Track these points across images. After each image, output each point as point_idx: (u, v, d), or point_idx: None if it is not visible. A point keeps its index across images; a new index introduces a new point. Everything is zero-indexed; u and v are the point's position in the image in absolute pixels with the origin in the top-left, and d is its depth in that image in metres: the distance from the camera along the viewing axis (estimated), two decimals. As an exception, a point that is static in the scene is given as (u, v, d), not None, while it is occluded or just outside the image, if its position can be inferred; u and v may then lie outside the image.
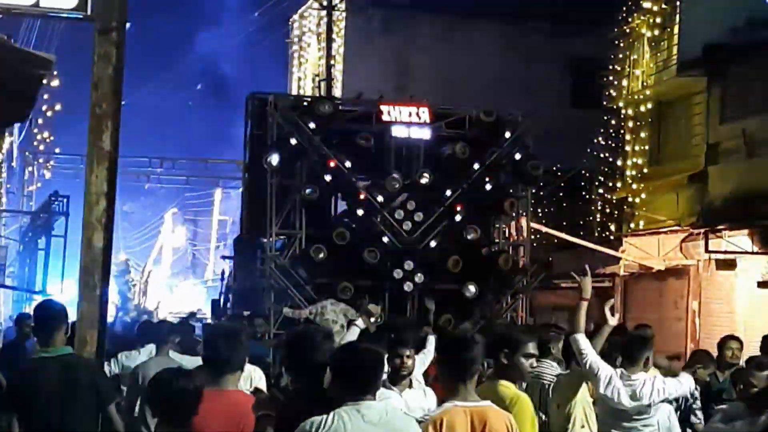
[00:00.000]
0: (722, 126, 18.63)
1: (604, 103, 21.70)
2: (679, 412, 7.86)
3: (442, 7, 25.44)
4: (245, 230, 18.60)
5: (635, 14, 21.04)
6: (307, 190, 15.71)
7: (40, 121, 27.70)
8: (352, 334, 7.28)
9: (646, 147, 20.73)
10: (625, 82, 21.28)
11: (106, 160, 6.01)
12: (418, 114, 16.69)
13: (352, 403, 4.45)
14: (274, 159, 15.72)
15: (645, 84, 20.84)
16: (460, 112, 17.14)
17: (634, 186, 20.52)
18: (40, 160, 31.75)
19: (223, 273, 22.14)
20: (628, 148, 20.94)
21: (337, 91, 25.60)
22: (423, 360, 8.34)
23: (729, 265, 17.61)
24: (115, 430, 5.79)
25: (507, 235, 18.04)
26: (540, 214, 21.94)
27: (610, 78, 21.63)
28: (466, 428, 4.93)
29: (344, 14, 26.65)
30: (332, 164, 15.99)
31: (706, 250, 17.76)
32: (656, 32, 20.62)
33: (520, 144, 16.94)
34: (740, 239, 17.37)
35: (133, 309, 32.19)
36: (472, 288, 16.04)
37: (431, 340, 8.81)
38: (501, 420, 5.08)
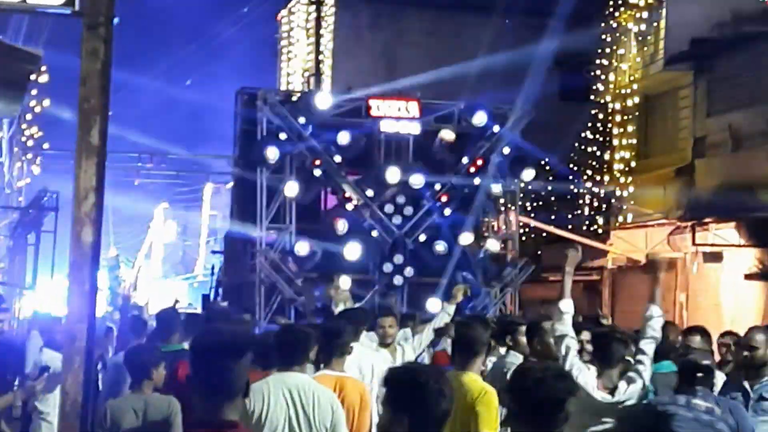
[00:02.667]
0: (709, 119, 18.73)
1: (592, 97, 21.79)
2: None
3: (430, 1, 25.49)
4: (235, 225, 18.66)
5: (622, 9, 21.13)
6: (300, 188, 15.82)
7: (28, 116, 27.65)
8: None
9: (633, 141, 20.84)
10: (612, 77, 21.38)
11: (94, 155, 6.03)
12: (407, 108, 16.77)
13: (278, 373, 5.67)
14: (271, 153, 15.75)
15: (632, 78, 20.94)
16: (448, 106, 17.23)
17: (622, 179, 20.61)
18: (29, 156, 31.67)
19: (213, 268, 22.21)
20: (615, 141, 21.03)
21: (326, 87, 25.63)
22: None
23: (716, 257, 17.73)
24: None
25: (496, 228, 18.13)
26: (528, 208, 22.02)
27: (598, 72, 21.71)
28: (334, 391, 6.01)
29: (333, 9, 26.69)
30: (321, 159, 16.07)
31: (693, 243, 17.88)
32: (643, 27, 20.71)
33: (508, 138, 17.03)
34: (727, 232, 17.49)
35: (122, 304, 32.17)
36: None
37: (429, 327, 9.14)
38: (356, 389, 6.26)
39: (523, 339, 8.04)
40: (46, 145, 31.60)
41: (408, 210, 16.49)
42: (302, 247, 15.44)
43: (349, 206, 16.43)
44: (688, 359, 6.45)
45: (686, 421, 5.70)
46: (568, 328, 6.39)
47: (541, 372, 3.99)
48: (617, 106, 21.07)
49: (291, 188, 15.85)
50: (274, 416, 5.51)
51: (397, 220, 16.43)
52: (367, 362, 7.52)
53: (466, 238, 16.65)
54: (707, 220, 17.70)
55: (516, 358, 7.79)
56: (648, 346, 6.27)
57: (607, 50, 21.50)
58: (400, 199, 16.50)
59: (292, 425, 5.52)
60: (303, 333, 6.01)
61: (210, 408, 3.57)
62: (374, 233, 16.28)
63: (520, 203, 18.48)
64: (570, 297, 6.49)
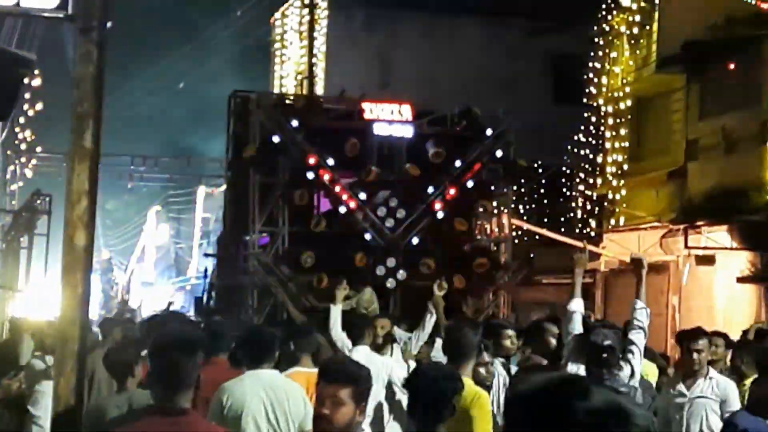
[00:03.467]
0: (701, 122, 18.76)
1: (585, 100, 21.82)
2: None
3: (424, 4, 25.52)
4: (228, 228, 18.63)
5: (614, 12, 21.18)
6: (292, 191, 15.81)
7: (21, 120, 27.61)
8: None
9: (626, 144, 20.87)
10: (604, 80, 21.41)
11: (87, 158, 6.03)
12: (400, 111, 16.77)
13: (252, 371, 6.17)
14: (249, 150, 15.80)
15: (624, 81, 20.98)
16: (441, 109, 17.24)
17: (614, 182, 20.65)
18: (22, 159, 31.63)
19: (206, 271, 22.18)
20: (608, 144, 21.07)
21: (319, 89, 25.64)
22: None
23: (708, 260, 17.77)
24: None
25: (489, 231, 18.14)
26: (521, 211, 22.06)
27: (590, 75, 21.75)
28: (305, 386, 6.30)
29: (326, 12, 26.71)
30: (314, 162, 16.06)
31: (686, 246, 17.91)
32: (635, 30, 20.76)
33: (502, 141, 17.04)
34: (719, 235, 17.53)
35: (115, 307, 32.17)
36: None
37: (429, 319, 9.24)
38: None
39: (507, 342, 8.13)
40: (39, 149, 31.59)
41: (401, 213, 16.48)
42: (306, 258, 15.37)
43: (342, 209, 16.41)
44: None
45: None
46: (578, 326, 6.91)
47: (434, 372, 4.67)
48: (610, 109, 21.11)
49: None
50: (253, 411, 5.95)
51: (389, 223, 16.42)
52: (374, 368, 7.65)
53: (459, 241, 16.67)
54: (700, 223, 17.74)
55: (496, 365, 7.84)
56: (636, 336, 6.74)
57: (600, 53, 21.53)
58: (393, 202, 16.48)
59: (270, 418, 5.97)
60: (269, 333, 6.57)
61: (166, 397, 4.14)
62: (367, 236, 16.27)
63: (512, 206, 18.50)
64: (580, 297, 7.07)
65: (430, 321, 9.52)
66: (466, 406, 5.83)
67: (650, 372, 8.57)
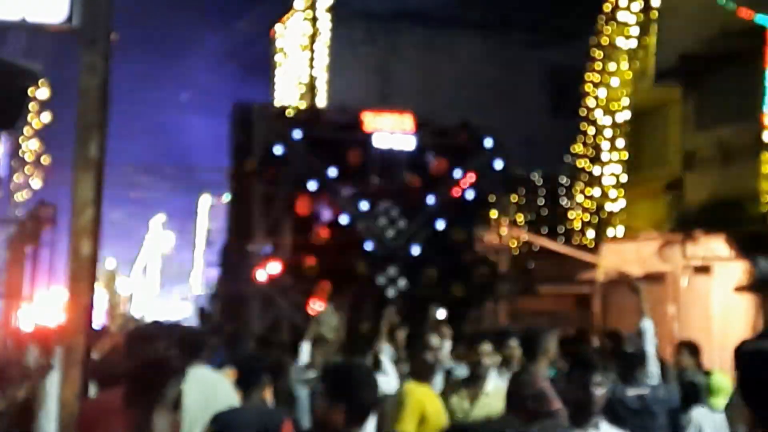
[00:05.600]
0: (698, 134, 18.91)
1: (582, 112, 21.99)
2: None
3: (425, 17, 25.73)
4: (232, 238, 18.80)
5: (612, 25, 21.38)
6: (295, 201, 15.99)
7: (28, 129, 27.82)
8: None
9: (624, 155, 21.04)
10: (602, 92, 21.58)
11: (93, 168, 6.17)
12: (401, 122, 16.94)
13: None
14: (266, 166, 15.97)
15: (622, 93, 21.16)
16: (441, 120, 17.42)
17: (612, 193, 20.80)
18: (28, 170, 31.79)
19: (210, 281, 22.32)
20: (605, 156, 21.23)
21: (321, 101, 25.84)
22: None
23: (705, 270, 17.88)
24: None
25: (488, 241, 18.29)
26: (520, 221, 22.21)
27: (588, 87, 21.93)
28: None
29: (328, 24, 26.91)
30: (316, 172, 16.23)
31: (683, 256, 18.03)
32: (633, 43, 20.95)
33: (501, 152, 17.22)
34: (716, 245, 17.65)
35: (118, 317, 32.29)
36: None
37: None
38: None
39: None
40: (45, 159, 31.77)
41: (401, 223, 16.64)
42: (309, 268, 15.58)
43: (344, 219, 16.57)
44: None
45: None
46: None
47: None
48: (607, 120, 21.28)
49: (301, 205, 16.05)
50: (190, 401, 6.28)
51: (390, 233, 16.58)
52: None
53: (459, 252, 16.83)
54: (697, 233, 17.86)
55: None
56: (650, 348, 7.93)
57: (598, 66, 21.72)
58: (394, 212, 16.64)
59: (204, 408, 6.27)
60: (201, 335, 7.33)
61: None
62: (368, 246, 16.43)
63: (511, 216, 18.65)
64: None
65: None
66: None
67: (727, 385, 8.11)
